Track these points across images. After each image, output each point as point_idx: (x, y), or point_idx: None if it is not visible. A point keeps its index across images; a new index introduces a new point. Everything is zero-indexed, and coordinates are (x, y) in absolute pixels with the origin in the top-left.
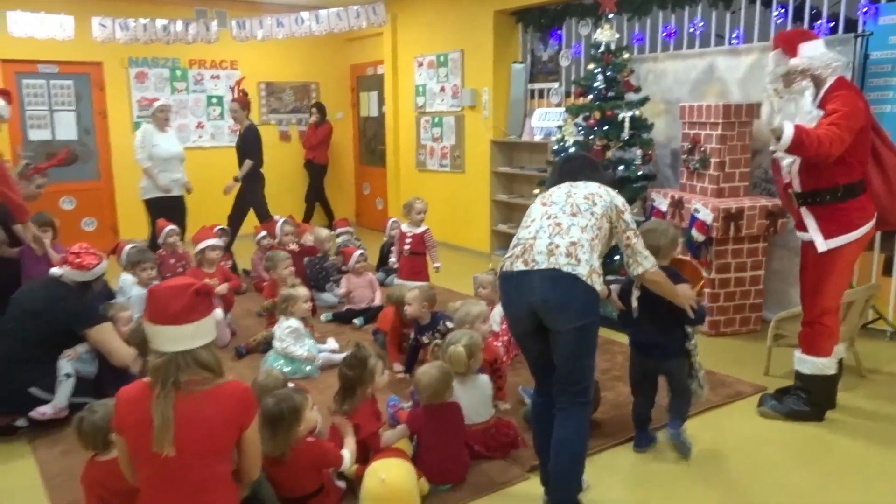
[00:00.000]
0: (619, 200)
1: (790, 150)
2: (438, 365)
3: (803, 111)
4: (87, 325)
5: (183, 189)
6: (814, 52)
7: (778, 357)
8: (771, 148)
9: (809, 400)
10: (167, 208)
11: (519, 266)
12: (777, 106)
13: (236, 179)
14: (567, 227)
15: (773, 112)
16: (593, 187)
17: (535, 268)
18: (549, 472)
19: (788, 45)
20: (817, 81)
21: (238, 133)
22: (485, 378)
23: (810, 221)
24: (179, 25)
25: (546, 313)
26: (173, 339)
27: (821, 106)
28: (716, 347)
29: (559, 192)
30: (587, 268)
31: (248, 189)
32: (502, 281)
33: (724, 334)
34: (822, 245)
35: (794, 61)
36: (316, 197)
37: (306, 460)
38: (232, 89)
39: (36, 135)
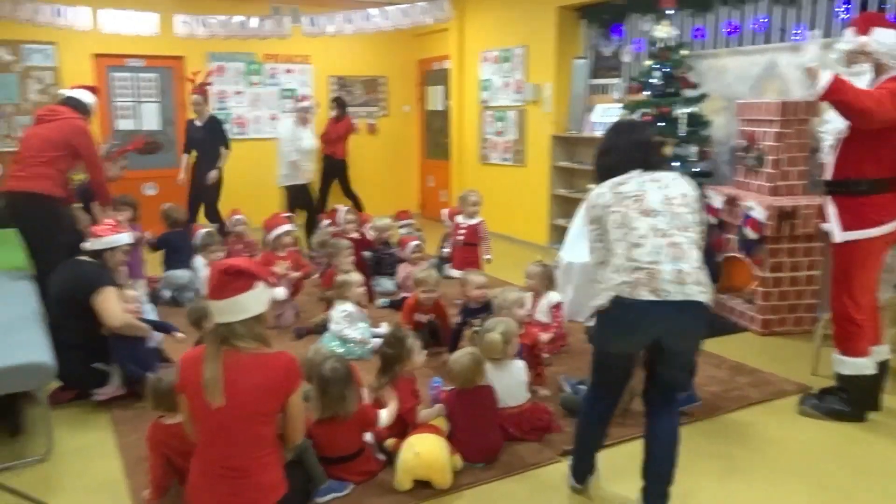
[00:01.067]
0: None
1: (826, 96)
2: (470, 352)
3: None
4: (92, 287)
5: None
6: (886, 38)
7: (826, 357)
8: (807, 92)
9: (849, 400)
10: (302, 194)
11: (646, 296)
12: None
13: (219, 170)
14: (685, 248)
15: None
16: (682, 185)
17: (668, 298)
18: (655, 464)
19: (864, 25)
20: (878, 69)
21: (199, 126)
22: (520, 364)
23: (831, 210)
24: (255, 22)
25: (674, 340)
26: (216, 312)
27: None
28: (766, 346)
29: (653, 195)
30: (709, 288)
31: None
32: (622, 309)
33: (775, 333)
34: (837, 236)
35: (862, 39)
36: (346, 193)
37: (354, 420)
38: (191, 81)
39: (123, 124)
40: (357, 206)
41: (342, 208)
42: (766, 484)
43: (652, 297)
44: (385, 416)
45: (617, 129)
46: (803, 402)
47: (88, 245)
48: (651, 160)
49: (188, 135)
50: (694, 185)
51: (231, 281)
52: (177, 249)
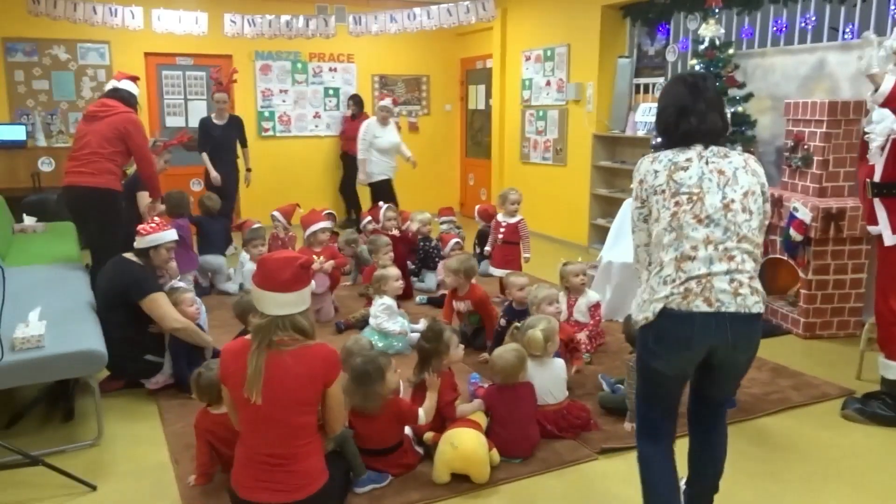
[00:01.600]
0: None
1: (887, 102)
2: (514, 348)
3: None
4: (140, 295)
5: (393, 173)
6: None
7: (871, 361)
8: (867, 97)
9: (894, 405)
10: (384, 189)
11: (701, 306)
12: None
13: (249, 170)
14: (740, 258)
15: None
16: (746, 179)
17: (723, 310)
18: (704, 479)
19: None
20: None
21: (218, 124)
22: (560, 362)
23: (881, 213)
24: (301, 21)
25: (729, 354)
26: (279, 304)
27: None
28: (810, 350)
29: (712, 197)
30: (764, 298)
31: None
32: (673, 321)
33: (819, 337)
34: (889, 238)
35: None
36: (349, 191)
37: (388, 415)
38: (216, 78)
39: (172, 121)
40: (353, 206)
41: (383, 205)
42: (804, 488)
43: (706, 308)
44: (422, 413)
45: (695, 86)
46: (846, 406)
47: (135, 243)
48: (714, 132)
49: (206, 133)
50: (761, 172)
51: (304, 274)
52: (208, 234)
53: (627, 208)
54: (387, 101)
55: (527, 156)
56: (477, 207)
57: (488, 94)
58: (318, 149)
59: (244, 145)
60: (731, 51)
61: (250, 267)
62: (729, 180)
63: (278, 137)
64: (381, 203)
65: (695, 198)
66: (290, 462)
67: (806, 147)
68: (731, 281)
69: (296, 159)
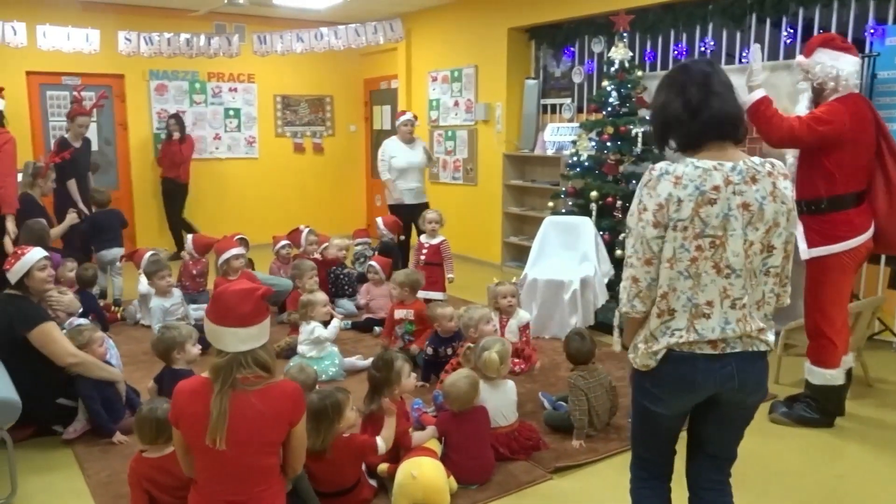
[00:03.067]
0: (794, 217)
1: (748, 112)
2: (465, 375)
3: (799, 111)
4: (26, 326)
5: (417, 197)
6: (825, 59)
7: (788, 365)
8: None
9: (819, 408)
10: (406, 214)
11: (706, 349)
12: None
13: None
14: (754, 309)
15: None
16: (772, 209)
17: (729, 351)
18: None
19: (809, 45)
20: (817, 90)
21: (79, 146)
22: (511, 383)
23: (799, 228)
24: (203, 40)
25: (734, 395)
26: (240, 339)
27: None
28: None
29: (735, 241)
30: (772, 333)
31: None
32: (675, 364)
33: None
34: (804, 252)
35: (800, 59)
36: (177, 216)
37: (345, 454)
38: (79, 99)
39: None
40: (180, 235)
41: (305, 229)
42: (747, 494)
43: (711, 351)
44: (382, 443)
45: (710, 64)
46: (773, 411)
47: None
48: (730, 129)
49: (73, 159)
50: (789, 194)
51: (264, 305)
52: (104, 229)
53: (548, 226)
54: (408, 115)
55: (436, 176)
56: (381, 218)
57: (394, 115)
58: (220, 172)
59: (94, 170)
60: (639, 73)
61: (157, 303)
62: (753, 216)
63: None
64: (301, 226)
65: (717, 242)
66: None
67: None
68: (740, 320)
69: (196, 183)
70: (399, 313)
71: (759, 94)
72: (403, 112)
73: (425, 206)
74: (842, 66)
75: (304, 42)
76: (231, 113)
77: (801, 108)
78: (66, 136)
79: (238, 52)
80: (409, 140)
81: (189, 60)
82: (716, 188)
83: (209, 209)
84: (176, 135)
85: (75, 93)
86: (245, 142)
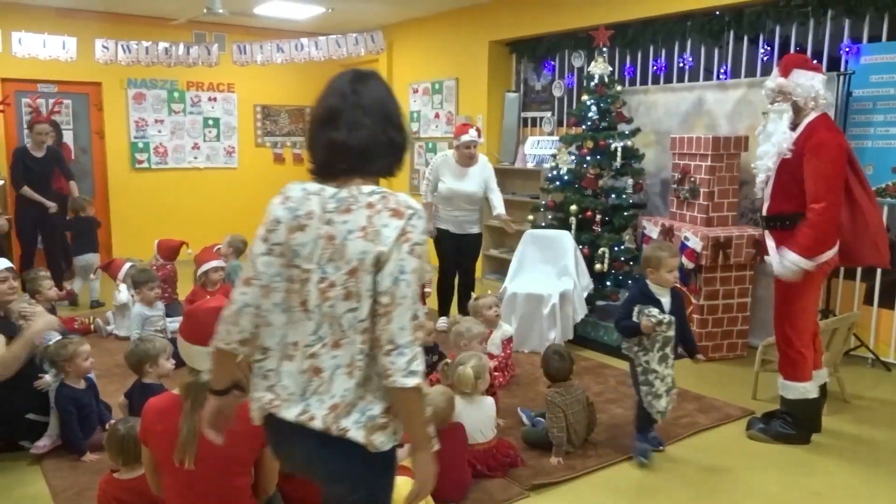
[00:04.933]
0: (415, 237)
1: (811, 258)
2: (442, 392)
3: (777, 132)
4: None
5: (461, 227)
6: (804, 80)
7: (764, 381)
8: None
9: (795, 423)
10: (447, 245)
11: (287, 415)
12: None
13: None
14: (329, 375)
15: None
16: (359, 248)
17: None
18: None
19: (785, 67)
20: (796, 109)
21: (38, 157)
22: (490, 400)
23: (770, 243)
24: (181, 48)
25: (319, 476)
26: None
27: (799, 137)
28: (704, 372)
29: (314, 277)
30: (371, 423)
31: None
32: (268, 426)
33: (712, 359)
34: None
35: (780, 80)
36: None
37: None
38: (35, 107)
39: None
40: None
41: None
42: None
43: (293, 420)
44: None
45: (357, 81)
46: (751, 427)
47: None
48: (350, 162)
49: (24, 167)
50: (388, 233)
51: None
52: (83, 233)
53: (528, 239)
54: (470, 135)
55: (417, 187)
56: None
57: None
58: (199, 181)
59: (70, 177)
60: (618, 87)
61: (139, 310)
62: (335, 251)
63: (154, 170)
64: None
65: (304, 276)
66: None
67: (692, 179)
68: (303, 412)
69: (174, 193)
70: None
71: (795, 260)
72: (465, 127)
73: (475, 238)
74: (817, 86)
75: (285, 52)
76: (210, 122)
77: (782, 128)
78: (27, 144)
79: (217, 62)
80: (467, 164)
81: (168, 69)
82: (309, 214)
83: (188, 219)
84: (50, 141)
85: (29, 101)
86: (224, 151)
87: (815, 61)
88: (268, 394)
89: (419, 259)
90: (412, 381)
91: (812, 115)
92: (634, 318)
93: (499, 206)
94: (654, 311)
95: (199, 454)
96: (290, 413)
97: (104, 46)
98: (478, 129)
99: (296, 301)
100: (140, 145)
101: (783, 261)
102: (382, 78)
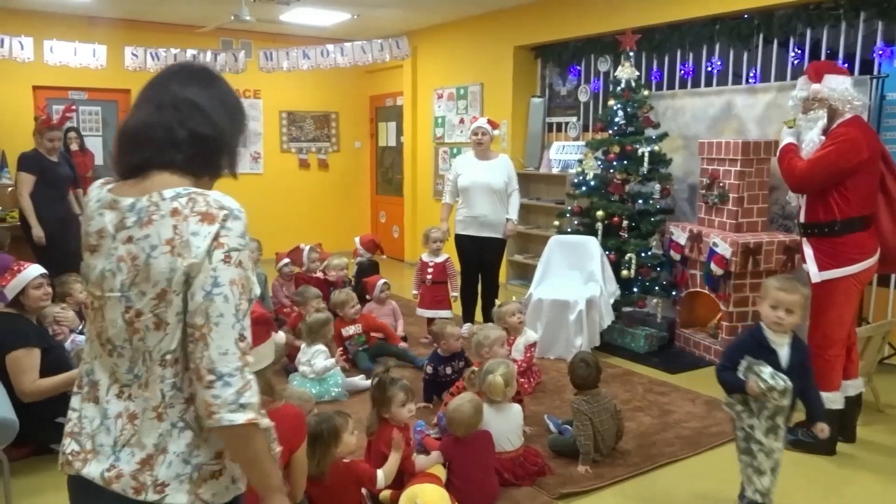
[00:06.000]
0: (231, 242)
1: (778, 162)
2: (469, 399)
3: (808, 140)
4: (9, 347)
5: (482, 229)
6: (837, 84)
7: None
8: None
9: None
10: (468, 248)
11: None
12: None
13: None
14: (141, 421)
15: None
16: (166, 266)
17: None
18: None
19: (816, 73)
20: (832, 114)
21: (57, 162)
22: (517, 407)
23: (808, 251)
24: (209, 56)
25: None
26: None
27: (831, 134)
28: None
29: (112, 308)
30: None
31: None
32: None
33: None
34: (815, 276)
35: (815, 87)
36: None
37: (344, 480)
38: (48, 115)
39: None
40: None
41: (305, 247)
42: None
43: (97, 479)
44: (382, 477)
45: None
46: None
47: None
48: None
49: (54, 174)
50: (207, 242)
51: (259, 331)
52: None
53: (554, 245)
54: (478, 122)
55: (440, 193)
56: (359, 237)
57: (399, 132)
58: (225, 188)
59: (78, 185)
60: (645, 92)
61: None
62: (138, 274)
63: None
64: (301, 245)
65: (98, 304)
66: None
67: (721, 185)
68: (110, 468)
69: None
70: (347, 330)
71: (783, 143)
72: (474, 118)
73: (497, 243)
74: (850, 90)
75: (310, 59)
76: None
77: (813, 135)
78: (40, 151)
79: (244, 68)
80: (484, 156)
81: None
82: (101, 232)
83: None
84: (77, 145)
85: (39, 111)
86: (250, 157)
87: (845, 65)
88: (72, 443)
89: (238, 268)
90: (242, 417)
91: (841, 119)
92: (741, 373)
93: (512, 212)
94: (767, 370)
95: None
96: (94, 469)
97: (133, 54)
98: (491, 122)
99: (92, 334)
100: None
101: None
102: (213, 72)
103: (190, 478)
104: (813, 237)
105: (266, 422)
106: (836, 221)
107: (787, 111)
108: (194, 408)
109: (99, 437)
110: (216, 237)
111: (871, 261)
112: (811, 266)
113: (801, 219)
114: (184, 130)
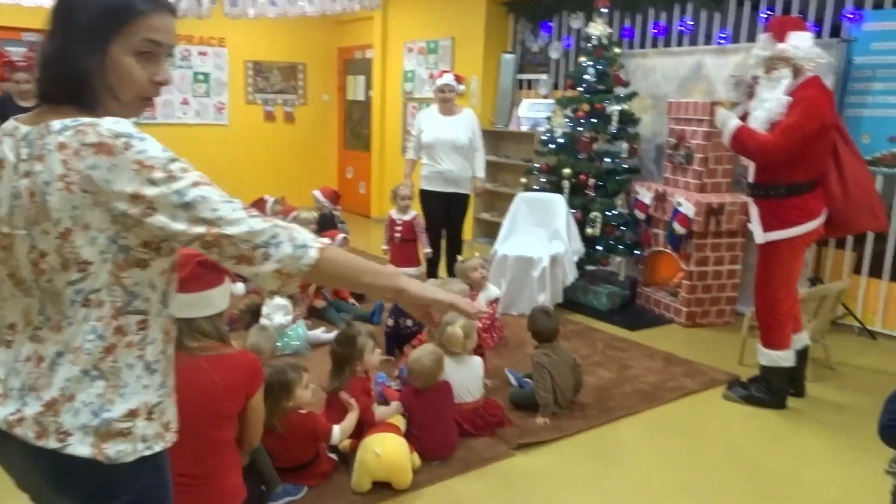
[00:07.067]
0: (153, 157)
1: (732, 147)
2: (431, 350)
3: (773, 97)
4: None
5: (449, 184)
6: (802, 42)
7: (751, 347)
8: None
9: (769, 389)
10: (432, 204)
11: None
12: (752, 90)
13: None
14: (67, 346)
15: (739, 93)
16: (69, 203)
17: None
18: None
19: (779, 30)
20: (797, 72)
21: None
22: (478, 359)
23: (754, 212)
24: None
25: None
26: (178, 306)
27: (795, 96)
28: (692, 338)
29: (20, 245)
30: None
31: None
32: None
33: (700, 325)
34: (759, 237)
35: (780, 46)
36: None
37: (299, 432)
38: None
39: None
40: None
41: (270, 199)
42: (712, 473)
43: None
44: (338, 433)
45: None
46: (729, 388)
47: None
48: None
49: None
50: (105, 160)
51: (205, 274)
52: None
53: (520, 202)
54: (444, 79)
55: (408, 149)
56: (319, 190)
57: (368, 86)
58: (187, 138)
59: None
60: (617, 50)
61: None
62: (38, 211)
63: (142, 124)
64: (266, 196)
65: (7, 241)
66: (209, 481)
67: (688, 145)
68: (14, 412)
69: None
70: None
71: (732, 126)
72: (443, 72)
73: (462, 199)
74: (814, 48)
75: (278, 6)
76: (200, 77)
77: (777, 94)
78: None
79: (209, 15)
80: (449, 111)
81: None
82: (2, 162)
83: None
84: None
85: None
86: (214, 108)
87: (815, 28)
88: None
89: (188, 174)
90: (313, 253)
91: (802, 79)
92: None
93: (478, 170)
94: None
95: (182, 406)
96: (0, 414)
97: None
98: (457, 76)
99: (3, 272)
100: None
101: (719, 112)
102: None
103: (96, 430)
104: (759, 198)
105: (326, 240)
106: (782, 185)
107: (748, 69)
108: (113, 357)
109: (10, 380)
110: (138, 164)
111: (815, 223)
112: (756, 227)
113: (749, 179)
114: (44, 57)
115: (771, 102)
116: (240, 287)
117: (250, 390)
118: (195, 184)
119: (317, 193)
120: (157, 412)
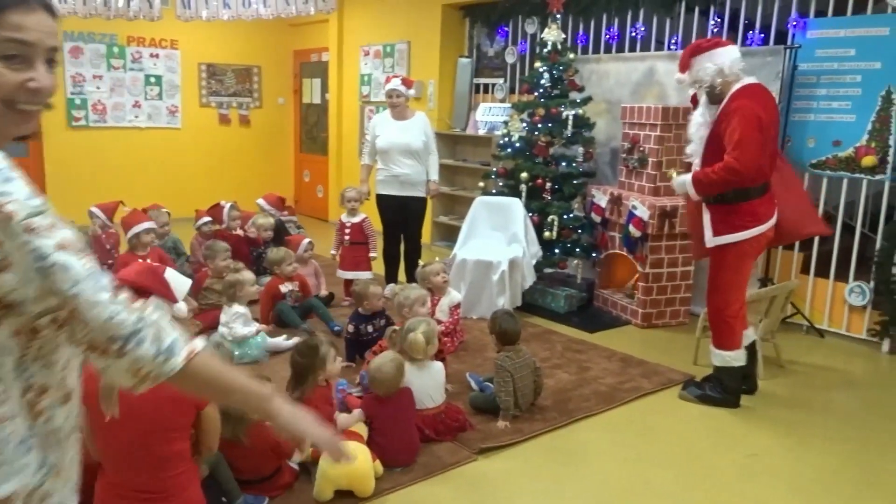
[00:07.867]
0: (18, 210)
1: (703, 193)
2: (391, 358)
3: (697, 114)
4: None
5: (404, 188)
6: (700, 64)
7: (705, 347)
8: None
9: (722, 388)
10: (387, 208)
11: None
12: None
13: None
14: None
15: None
16: None
17: None
18: None
19: (683, 63)
20: (724, 87)
21: None
22: (439, 365)
23: (705, 216)
24: (122, 1)
25: None
26: None
27: (722, 109)
28: (648, 338)
29: None
30: None
31: None
32: None
33: (655, 326)
34: (709, 241)
35: (679, 76)
36: None
37: (262, 445)
38: None
39: None
40: None
41: (226, 204)
42: (667, 470)
43: None
44: (299, 454)
45: None
46: (684, 388)
47: None
48: None
49: None
50: None
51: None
52: None
53: (478, 205)
54: (392, 84)
55: None
56: (263, 198)
57: (324, 88)
58: (139, 141)
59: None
60: (571, 55)
61: None
62: None
63: (92, 128)
64: (222, 202)
65: None
66: (167, 496)
67: (642, 149)
68: None
69: (113, 152)
70: (286, 286)
71: (688, 178)
72: (390, 77)
73: (419, 201)
74: (720, 61)
75: (231, 9)
76: (152, 80)
77: (697, 114)
78: None
79: (160, 16)
80: (401, 115)
81: (107, 22)
82: None
83: (127, 180)
84: None
85: None
86: (167, 111)
87: (761, 35)
88: None
89: (53, 231)
90: (176, 363)
91: (735, 87)
92: None
93: (432, 173)
94: None
95: (130, 421)
96: None
97: None
98: (405, 81)
99: None
100: (77, 102)
101: (674, 180)
102: None
103: None
104: (709, 203)
105: (198, 342)
106: (730, 190)
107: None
108: None
109: None
110: None
111: (764, 227)
112: (707, 230)
113: None
114: None
115: (697, 117)
116: (181, 307)
117: (200, 402)
118: (61, 246)
119: (261, 202)
120: (36, 497)
